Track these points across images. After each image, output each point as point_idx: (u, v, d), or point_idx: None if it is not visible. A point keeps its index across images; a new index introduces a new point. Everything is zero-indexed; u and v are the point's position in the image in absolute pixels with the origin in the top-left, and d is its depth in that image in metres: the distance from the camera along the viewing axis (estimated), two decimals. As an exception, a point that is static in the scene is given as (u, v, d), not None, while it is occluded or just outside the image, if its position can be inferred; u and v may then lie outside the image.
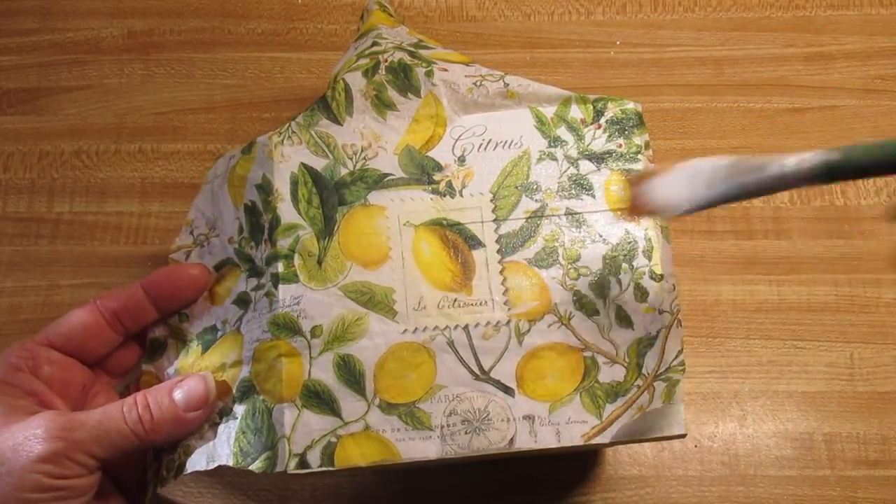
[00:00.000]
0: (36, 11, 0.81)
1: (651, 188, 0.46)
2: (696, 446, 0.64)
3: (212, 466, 0.49)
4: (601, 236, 0.52)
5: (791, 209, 0.71)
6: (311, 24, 0.80)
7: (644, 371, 0.49)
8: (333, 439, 0.49)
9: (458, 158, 0.54)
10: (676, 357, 0.50)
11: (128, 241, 0.72)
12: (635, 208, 0.48)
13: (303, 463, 0.48)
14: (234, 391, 0.51)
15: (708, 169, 0.43)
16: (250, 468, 0.48)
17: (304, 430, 0.49)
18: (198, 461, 0.50)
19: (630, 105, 0.55)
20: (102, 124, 0.76)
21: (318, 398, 0.49)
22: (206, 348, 0.54)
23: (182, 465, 0.50)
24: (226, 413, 0.51)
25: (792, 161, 0.40)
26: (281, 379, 0.49)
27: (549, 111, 0.55)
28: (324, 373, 0.49)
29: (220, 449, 0.50)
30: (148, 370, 0.56)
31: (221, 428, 0.51)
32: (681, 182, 0.44)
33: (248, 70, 0.78)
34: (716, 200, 0.43)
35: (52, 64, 0.79)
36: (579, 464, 0.63)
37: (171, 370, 0.55)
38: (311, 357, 0.50)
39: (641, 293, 0.51)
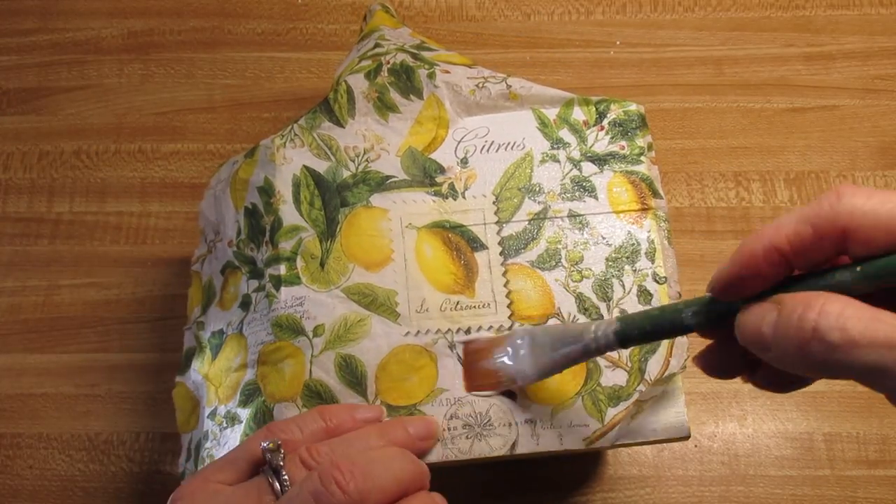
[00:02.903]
0: (36, 11, 0.81)
1: (494, 362, 0.48)
2: (696, 446, 0.64)
3: None
4: (604, 238, 0.52)
5: (791, 209, 0.71)
6: (311, 24, 0.80)
7: (647, 377, 0.49)
8: None
9: (461, 160, 0.54)
10: (683, 368, 0.50)
11: (128, 241, 0.72)
12: (481, 383, 0.49)
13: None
14: (238, 394, 0.51)
15: (543, 337, 0.46)
16: None
17: None
18: None
19: (633, 107, 0.55)
20: (102, 124, 0.76)
21: (319, 398, 0.49)
22: (214, 354, 0.54)
23: None
24: (231, 418, 0.51)
25: (592, 332, 0.42)
26: (284, 379, 0.49)
27: (551, 113, 0.55)
28: (325, 373, 0.49)
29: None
30: (180, 381, 0.56)
31: (228, 433, 0.51)
32: (525, 351, 0.46)
33: (248, 70, 0.78)
34: (552, 370, 0.45)
35: (52, 64, 0.79)
36: (580, 464, 0.64)
37: (195, 378, 0.55)
38: (312, 356, 0.50)
39: (645, 296, 0.51)
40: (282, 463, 0.42)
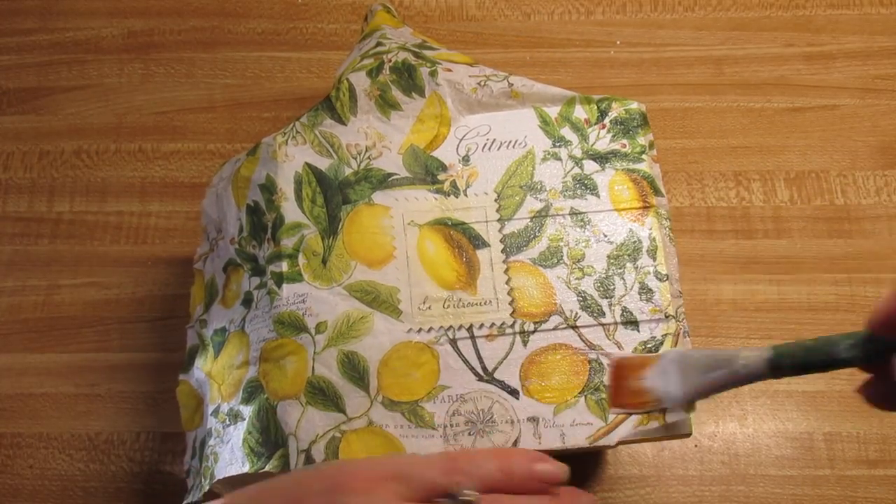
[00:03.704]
0: (36, 11, 0.81)
1: (643, 381, 0.47)
2: (696, 446, 0.64)
3: (232, 473, 0.49)
4: (605, 236, 0.52)
5: (791, 209, 0.71)
6: (311, 24, 0.80)
7: None
8: (338, 435, 0.48)
9: (463, 158, 0.54)
10: None
11: (128, 241, 0.72)
12: (627, 402, 0.48)
13: (308, 458, 0.48)
14: (241, 391, 0.51)
15: (694, 361, 0.44)
16: (266, 468, 0.48)
17: (308, 425, 0.49)
18: (223, 468, 0.50)
19: (634, 105, 0.55)
20: (102, 124, 0.76)
21: (322, 394, 0.49)
22: (217, 351, 0.54)
23: (213, 473, 0.50)
24: (234, 415, 0.51)
25: (743, 358, 0.41)
26: (286, 376, 0.49)
27: (553, 111, 0.55)
28: (327, 369, 0.49)
29: (235, 453, 0.50)
30: (183, 380, 0.56)
31: (231, 430, 0.50)
32: (673, 374, 0.45)
33: (248, 70, 0.78)
34: (700, 395, 0.45)
35: (52, 64, 0.79)
36: (580, 464, 0.63)
37: (199, 376, 0.55)
38: (314, 352, 0.50)
39: (647, 293, 0.51)
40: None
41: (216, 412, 0.52)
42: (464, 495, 0.40)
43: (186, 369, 0.56)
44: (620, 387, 0.48)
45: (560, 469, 0.43)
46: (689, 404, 0.45)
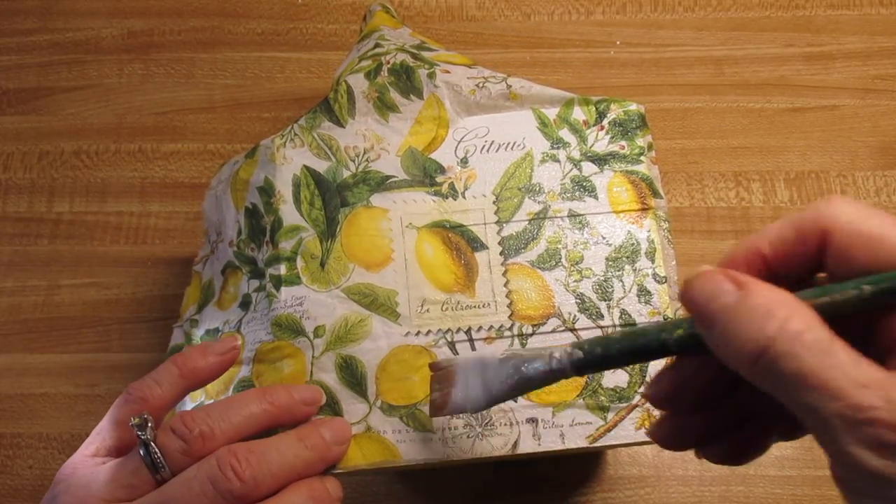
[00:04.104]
0: (36, 11, 0.81)
1: (448, 388, 0.45)
2: (696, 446, 0.64)
3: None
4: (604, 238, 0.52)
5: (791, 209, 0.71)
6: (311, 24, 0.80)
7: (647, 379, 0.49)
8: None
9: (461, 160, 0.54)
10: None
11: (128, 241, 0.72)
12: (435, 408, 0.46)
13: None
14: (230, 390, 0.51)
15: (491, 363, 0.43)
16: None
17: None
18: None
19: (633, 106, 0.55)
20: (102, 124, 0.76)
21: None
22: None
23: None
24: None
25: (556, 355, 0.39)
26: (284, 380, 0.49)
27: (551, 113, 0.55)
28: (326, 374, 0.49)
29: None
30: None
31: None
32: (472, 379, 0.44)
33: (248, 70, 0.78)
34: (502, 397, 0.43)
35: (52, 64, 0.79)
36: (580, 464, 0.64)
37: None
38: (313, 357, 0.50)
39: (645, 295, 0.51)
40: (150, 435, 0.43)
41: (199, 407, 0.52)
42: (143, 431, 0.43)
43: None
44: (432, 397, 0.46)
45: (315, 390, 0.48)
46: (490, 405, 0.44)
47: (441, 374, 0.47)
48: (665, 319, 0.50)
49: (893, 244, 0.29)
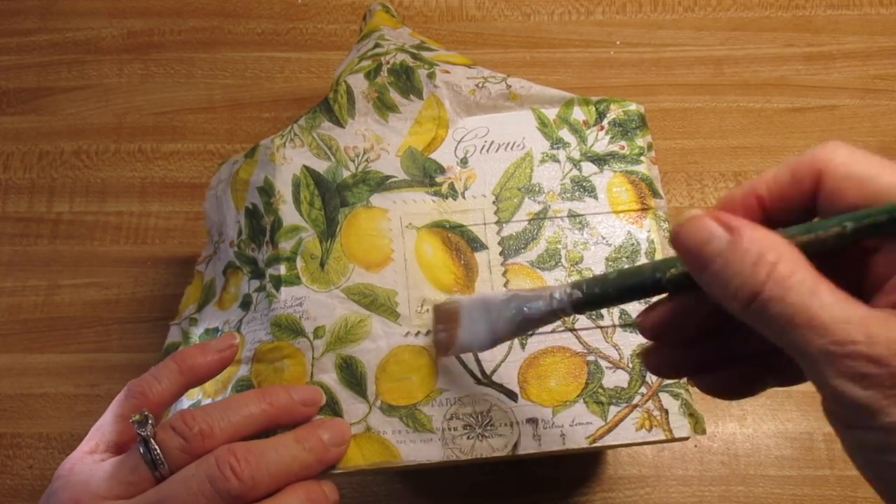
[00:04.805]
0: (36, 11, 0.81)
1: (452, 328, 0.47)
2: (696, 446, 0.64)
3: None
4: (603, 238, 0.52)
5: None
6: (311, 24, 0.80)
7: (648, 380, 0.49)
8: None
9: (461, 160, 0.54)
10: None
11: (128, 241, 0.72)
12: (440, 348, 0.49)
13: None
14: (229, 389, 0.51)
15: (495, 303, 0.44)
16: None
17: None
18: None
19: (633, 106, 0.55)
20: (102, 124, 0.76)
21: None
22: None
23: None
24: None
25: (556, 296, 0.41)
26: (283, 380, 0.49)
27: (551, 113, 0.55)
28: (326, 374, 0.49)
29: None
30: None
31: None
32: (476, 318, 0.45)
33: (248, 70, 0.78)
34: (506, 336, 0.45)
35: (52, 64, 0.79)
36: (580, 464, 0.64)
37: None
38: (313, 358, 0.50)
39: (644, 296, 0.51)
40: (150, 432, 0.43)
41: (196, 406, 0.52)
42: (143, 428, 0.43)
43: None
44: (436, 337, 0.49)
45: (315, 391, 0.49)
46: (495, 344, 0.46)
47: (445, 314, 0.48)
48: None
49: (882, 184, 0.30)
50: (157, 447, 0.43)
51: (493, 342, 0.45)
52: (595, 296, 0.38)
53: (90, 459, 0.45)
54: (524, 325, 0.43)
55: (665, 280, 0.35)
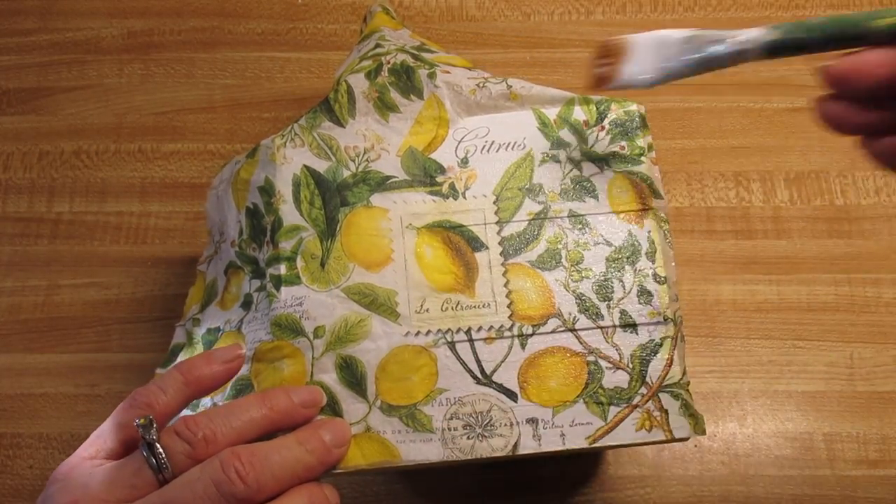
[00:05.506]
0: (36, 11, 0.81)
1: (616, 63, 0.45)
2: (696, 446, 0.64)
3: None
4: (604, 238, 0.52)
5: (791, 209, 0.71)
6: (311, 24, 0.80)
7: (648, 380, 0.49)
8: None
9: (461, 160, 0.54)
10: (683, 376, 0.50)
11: (128, 241, 0.72)
12: (599, 81, 0.46)
13: None
14: (229, 389, 0.51)
15: (671, 41, 0.42)
16: None
17: None
18: None
19: (633, 107, 0.55)
20: (102, 124, 0.76)
21: None
22: (206, 348, 0.54)
23: None
24: None
25: (742, 37, 0.40)
26: (283, 380, 0.49)
27: (551, 113, 0.55)
28: (326, 374, 0.49)
29: None
30: (159, 374, 0.56)
31: None
32: (645, 55, 0.43)
33: (248, 70, 0.78)
34: (678, 74, 0.43)
35: (52, 64, 0.79)
36: (580, 464, 0.64)
37: None
38: (313, 358, 0.50)
39: (645, 296, 0.51)
40: (155, 437, 0.43)
41: (195, 407, 0.52)
42: (147, 432, 0.43)
43: (165, 364, 0.56)
44: (595, 69, 0.46)
45: (315, 392, 0.49)
46: (656, 83, 0.44)
47: (612, 48, 0.45)
48: (665, 320, 0.50)
49: None
50: (161, 451, 0.43)
51: (663, 79, 0.43)
52: (795, 39, 0.37)
53: (89, 464, 0.45)
54: (703, 62, 0.41)
55: (881, 28, 0.33)
